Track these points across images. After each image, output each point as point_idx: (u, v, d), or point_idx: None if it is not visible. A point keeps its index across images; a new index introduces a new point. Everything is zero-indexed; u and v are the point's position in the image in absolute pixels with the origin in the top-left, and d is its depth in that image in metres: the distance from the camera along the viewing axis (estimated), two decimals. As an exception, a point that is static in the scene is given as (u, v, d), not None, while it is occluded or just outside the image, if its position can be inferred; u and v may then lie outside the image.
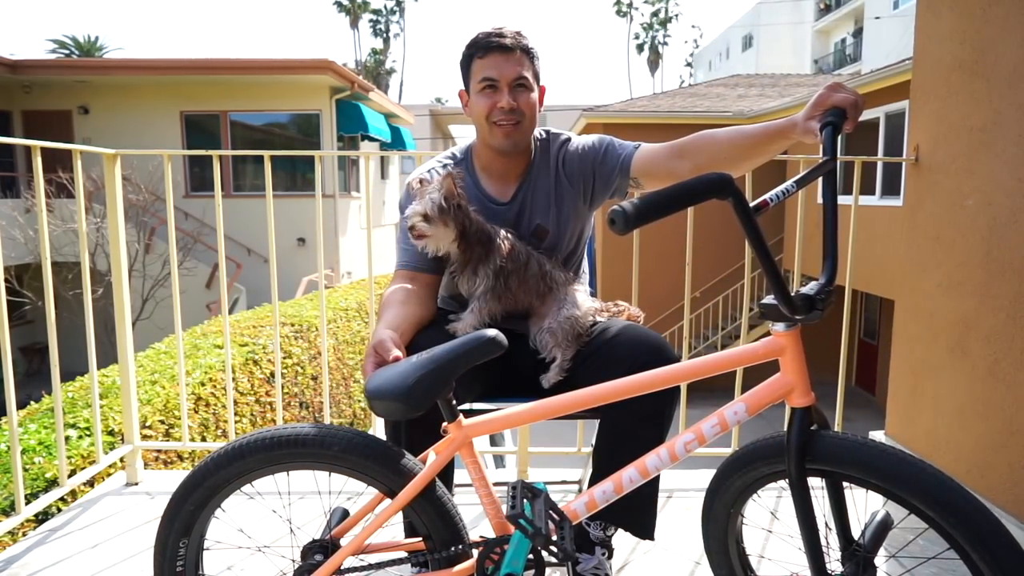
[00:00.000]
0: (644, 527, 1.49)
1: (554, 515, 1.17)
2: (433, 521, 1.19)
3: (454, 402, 1.18)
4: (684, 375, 1.16)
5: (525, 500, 1.16)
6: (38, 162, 1.91)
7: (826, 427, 1.11)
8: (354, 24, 42.10)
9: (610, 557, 1.49)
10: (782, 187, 1.07)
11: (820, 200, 9.70)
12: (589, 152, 1.58)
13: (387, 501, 1.19)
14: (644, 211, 0.93)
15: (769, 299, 1.07)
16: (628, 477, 1.18)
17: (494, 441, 5.80)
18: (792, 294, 1.04)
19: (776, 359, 1.12)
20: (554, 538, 1.14)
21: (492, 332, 1.14)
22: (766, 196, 1.05)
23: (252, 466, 1.16)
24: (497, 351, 1.14)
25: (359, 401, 7.06)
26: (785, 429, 1.11)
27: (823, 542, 1.11)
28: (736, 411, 1.13)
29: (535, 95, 1.54)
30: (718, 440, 1.20)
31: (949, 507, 0.98)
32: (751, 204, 1.00)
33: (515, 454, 2.37)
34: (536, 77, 1.54)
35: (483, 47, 1.49)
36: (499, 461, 6.26)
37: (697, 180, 0.96)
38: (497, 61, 1.48)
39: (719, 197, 0.96)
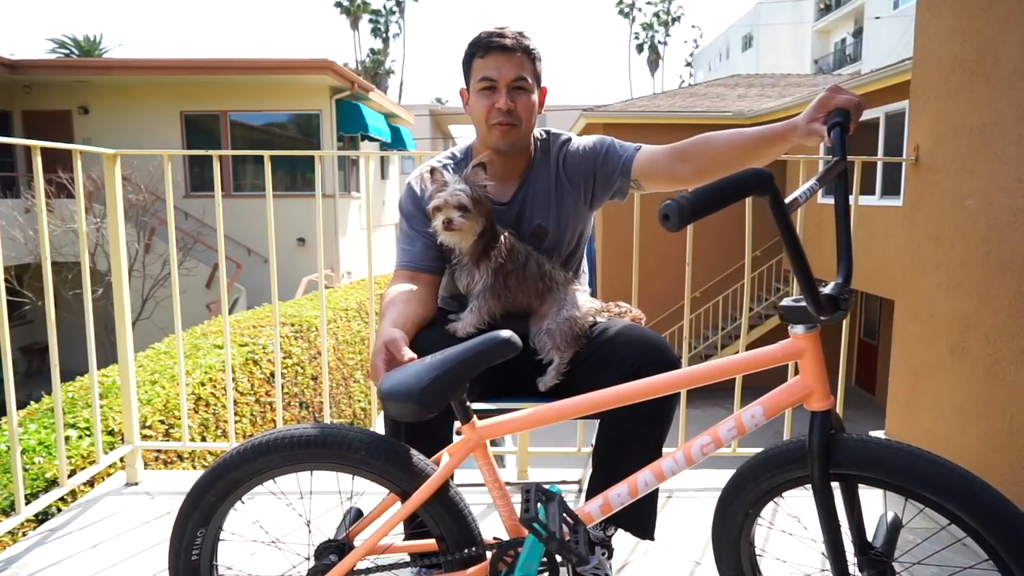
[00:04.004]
0: (644, 527, 1.49)
1: (568, 518, 1.16)
2: (446, 523, 1.18)
3: (468, 403, 1.17)
4: (702, 377, 1.15)
5: (539, 503, 1.16)
6: (38, 162, 1.91)
7: (841, 429, 1.10)
8: (354, 24, 42.08)
9: (610, 557, 1.49)
10: (806, 186, 1.06)
11: (820, 200, 9.60)
12: (590, 153, 1.57)
13: (400, 502, 1.19)
14: (698, 206, 0.91)
15: (788, 302, 1.05)
16: (643, 480, 1.17)
17: (493, 441, 5.81)
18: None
19: (789, 362, 1.11)
20: (568, 541, 1.13)
21: (506, 333, 1.14)
22: (795, 195, 1.03)
23: (277, 463, 1.16)
24: (511, 352, 1.14)
25: (359, 401, 7.06)
26: (807, 433, 1.09)
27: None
28: (754, 414, 1.12)
29: (534, 96, 1.53)
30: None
31: (993, 516, 0.97)
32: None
33: (515, 454, 2.37)
34: (536, 78, 1.54)
35: (484, 46, 1.49)
36: (499, 461, 6.26)
37: (741, 175, 0.94)
38: (497, 61, 1.48)
39: (759, 194, 0.94)
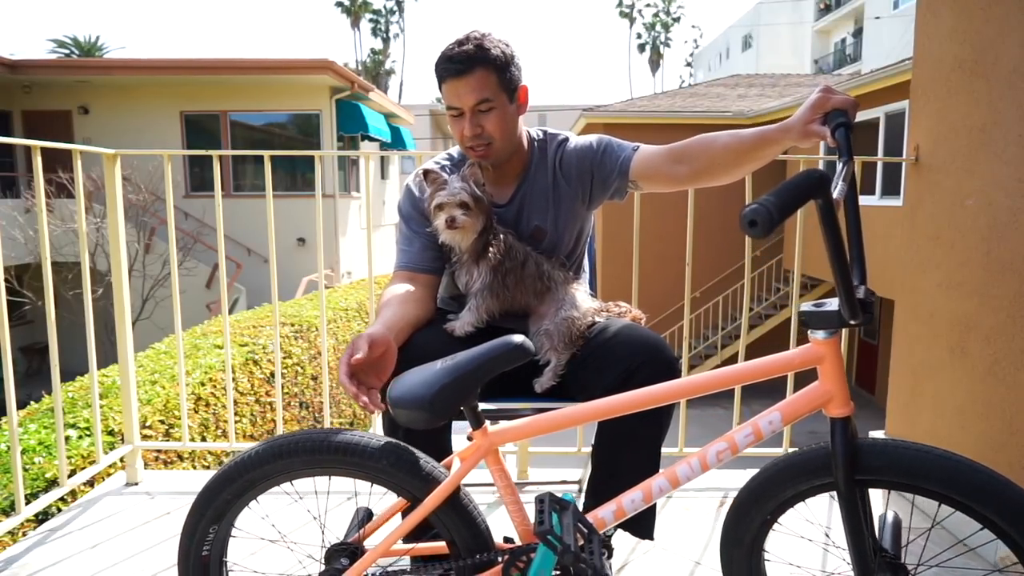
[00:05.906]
0: (644, 527, 1.49)
1: (582, 527, 1.15)
2: (458, 528, 1.17)
3: (479, 409, 1.16)
4: (714, 384, 1.13)
5: (553, 512, 1.14)
6: (38, 162, 1.91)
7: (855, 435, 1.09)
8: (355, 24, 42.07)
9: (610, 557, 1.48)
10: (839, 187, 1.01)
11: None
12: (587, 152, 1.56)
13: (411, 506, 1.18)
14: (783, 209, 0.86)
15: (809, 306, 1.04)
16: (658, 486, 1.16)
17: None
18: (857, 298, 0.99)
19: (796, 370, 1.11)
20: (583, 554, 1.11)
21: (519, 338, 1.12)
22: (835, 195, 0.99)
23: (295, 466, 1.16)
24: (524, 358, 1.12)
25: (359, 401, 7.05)
26: (829, 440, 1.08)
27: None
28: (771, 420, 1.11)
29: (510, 108, 1.48)
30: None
31: None
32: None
33: (515, 454, 2.37)
34: (506, 87, 1.46)
35: (443, 72, 1.45)
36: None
37: (805, 178, 0.90)
38: (457, 87, 1.43)
39: (821, 196, 0.91)
